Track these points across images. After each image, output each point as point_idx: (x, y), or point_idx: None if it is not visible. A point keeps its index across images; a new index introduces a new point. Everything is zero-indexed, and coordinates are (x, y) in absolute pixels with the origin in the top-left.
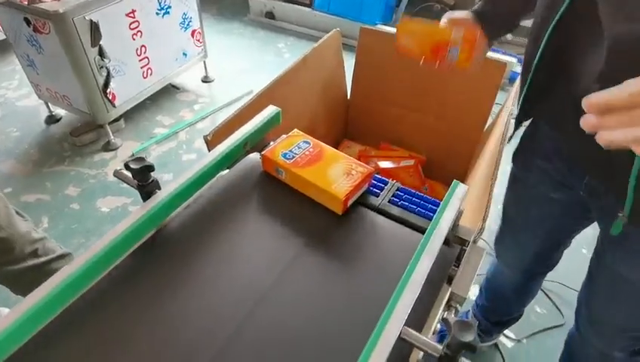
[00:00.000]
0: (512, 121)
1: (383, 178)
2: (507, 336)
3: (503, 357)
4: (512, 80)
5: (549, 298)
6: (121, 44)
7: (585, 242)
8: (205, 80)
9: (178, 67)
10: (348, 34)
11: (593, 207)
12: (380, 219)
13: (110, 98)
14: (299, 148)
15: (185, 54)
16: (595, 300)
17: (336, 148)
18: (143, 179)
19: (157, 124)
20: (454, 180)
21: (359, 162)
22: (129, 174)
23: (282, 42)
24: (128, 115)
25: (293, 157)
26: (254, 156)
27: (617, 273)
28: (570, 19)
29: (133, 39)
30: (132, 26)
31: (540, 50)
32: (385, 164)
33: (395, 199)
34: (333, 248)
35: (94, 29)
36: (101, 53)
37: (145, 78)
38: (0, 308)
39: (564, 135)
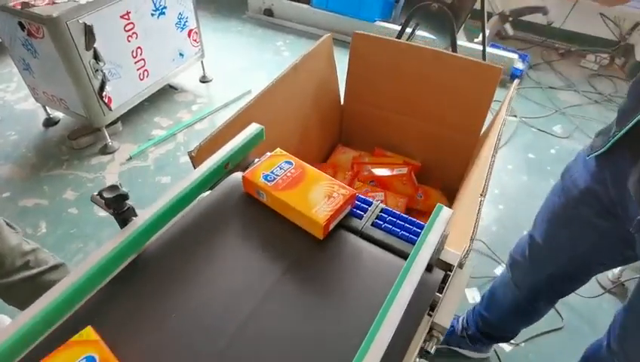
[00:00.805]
0: (513, 123)
1: (368, 198)
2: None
3: (500, 361)
4: (513, 76)
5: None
6: (116, 47)
7: None
8: (203, 80)
9: (175, 68)
10: (347, 31)
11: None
12: (363, 243)
13: (106, 101)
14: (280, 168)
15: (182, 55)
16: (630, 333)
17: (331, 154)
18: (118, 207)
19: (155, 126)
20: (438, 203)
21: (341, 184)
22: (102, 201)
23: (281, 40)
24: (125, 118)
25: (274, 178)
26: (236, 176)
27: None
28: None
29: (129, 41)
30: (127, 28)
31: None
32: (379, 172)
33: (379, 222)
34: (314, 275)
35: (88, 32)
36: (96, 57)
37: (141, 80)
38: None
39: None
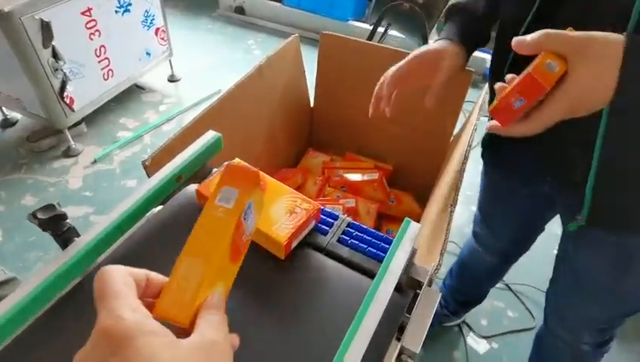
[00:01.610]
0: (476, 134)
1: (333, 212)
2: (478, 339)
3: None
4: (485, 76)
5: (521, 301)
6: (77, 45)
7: (556, 243)
8: (171, 79)
9: (142, 67)
10: (319, 30)
11: (557, 201)
12: (328, 261)
13: (68, 102)
14: None
15: (148, 54)
16: (561, 295)
17: (301, 159)
18: (55, 228)
19: (121, 127)
20: (405, 218)
21: (305, 197)
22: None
23: (252, 39)
24: (90, 119)
25: None
26: (191, 189)
27: (578, 268)
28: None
29: (91, 39)
30: (89, 26)
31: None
32: (350, 177)
33: (345, 237)
34: (276, 298)
35: (45, 28)
36: (55, 55)
37: (106, 79)
38: None
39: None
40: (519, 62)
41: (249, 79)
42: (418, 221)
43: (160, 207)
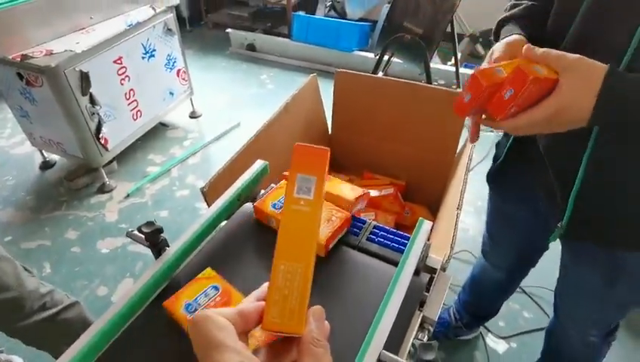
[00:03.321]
0: (474, 149)
1: (362, 218)
2: (496, 339)
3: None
4: None
5: (536, 302)
6: (110, 90)
7: None
8: (193, 116)
9: (166, 106)
10: (327, 61)
11: (550, 218)
12: (360, 256)
13: (103, 142)
14: None
15: (172, 93)
16: (566, 299)
17: None
18: (155, 239)
19: (149, 163)
20: (420, 218)
21: (339, 208)
22: (141, 236)
23: (265, 73)
24: (120, 157)
25: (281, 207)
26: (247, 206)
27: (577, 280)
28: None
29: (122, 84)
30: (120, 72)
31: None
32: (369, 193)
33: (372, 236)
34: (320, 285)
35: (84, 78)
36: (92, 101)
37: (135, 120)
38: (11, 356)
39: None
40: None
41: (278, 115)
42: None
43: (225, 222)
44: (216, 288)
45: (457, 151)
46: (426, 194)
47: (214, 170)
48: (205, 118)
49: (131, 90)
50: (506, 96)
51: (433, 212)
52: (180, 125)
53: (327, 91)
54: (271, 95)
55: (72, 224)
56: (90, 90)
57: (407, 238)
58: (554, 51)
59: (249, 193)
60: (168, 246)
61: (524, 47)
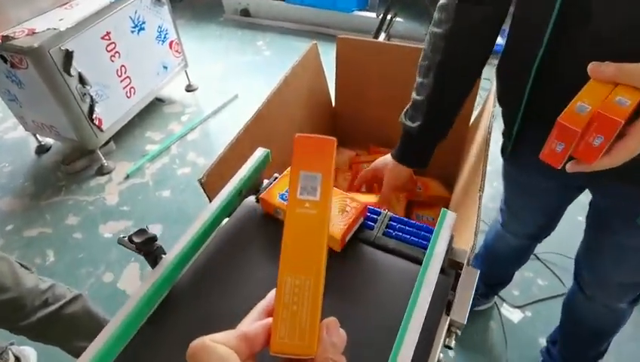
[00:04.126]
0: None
1: (376, 208)
2: (511, 309)
3: (504, 332)
4: (494, 53)
5: (550, 269)
6: (100, 69)
7: (579, 210)
8: (189, 89)
9: (160, 81)
10: (325, 23)
11: (594, 189)
12: (377, 252)
13: (97, 123)
14: None
15: (165, 67)
16: (601, 266)
17: None
18: (148, 249)
19: (147, 141)
20: (442, 208)
21: (353, 196)
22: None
23: (261, 40)
24: (117, 136)
25: None
26: (250, 200)
27: (624, 244)
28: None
29: (112, 61)
30: (109, 48)
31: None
32: None
33: (389, 231)
34: (336, 285)
35: (67, 57)
36: (82, 81)
37: (129, 97)
38: (23, 346)
39: None
40: (542, 86)
41: (278, 90)
42: (447, 204)
43: (226, 220)
44: None
45: (472, 118)
46: (438, 165)
47: (215, 146)
48: (202, 90)
49: (123, 66)
50: (595, 143)
51: (446, 185)
52: (176, 100)
53: (328, 56)
54: (268, 62)
55: (73, 209)
56: (79, 70)
57: (428, 230)
58: (627, 66)
59: (251, 185)
60: (164, 254)
61: (591, 67)
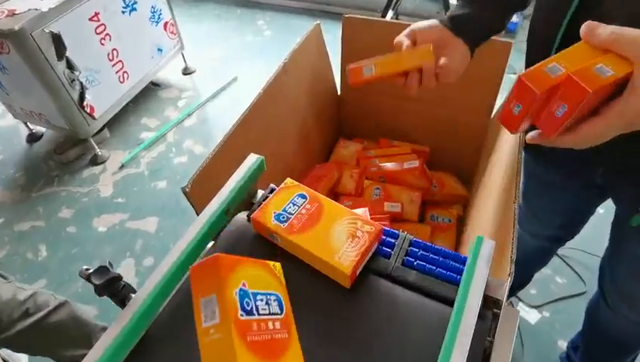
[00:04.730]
0: None
1: (393, 230)
2: (528, 309)
3: (520, 334)
4: (508, 31)
5: (569, 266)
6: (90, 53)
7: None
8: (186, 72)
9: (155, 64)
10: (327, 0)
11: (611, 192)
12: (396, 289)
13: (89, 111)
14: (294, 205)
15: (160, 50)
16: (622, 278)
17: (332, 149)
18: (112, 290)
19: (143, 128)
20: (477, 236)
21: (364, 218)
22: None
23: (261, 19)
24: (112, 124)
25: (288, 218)
26: (241, 217)
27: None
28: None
29: (102, 44)
30: (98, 31)
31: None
32: (388, 166)
33: (410, 259)
34: (342, 334)
35: (56, 41)
36: (70, 66)
37: (122, 82)
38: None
39: None
40: None
41: (275, 80)
42: (464, 201)
43: (211, 244)
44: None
45: (494, 111)
46: (453, 159)
47: (212, 132)
48: (199, 73)
49: (114, 49)
50: (557, 113)
51: (463, 181)
52: (172, 84)
53: (331, 36)
54: (269, 42)
55: (66, 201)
56: (67, 54)
57: (458, 259)
58: (628, 31)
59: (241, 200)
60: (135, 292)
61: (584, 28)
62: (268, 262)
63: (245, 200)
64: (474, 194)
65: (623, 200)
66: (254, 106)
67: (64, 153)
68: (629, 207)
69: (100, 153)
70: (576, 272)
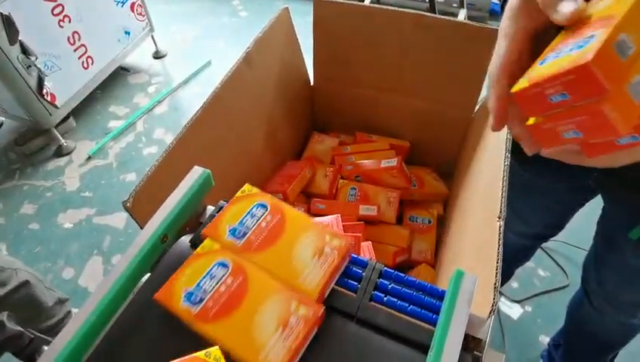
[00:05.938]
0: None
1: (361, 258)
2: (510, 304)
3: (502, 330)
4: (492, 13)
5: (552, 258)
6: (47, 36)
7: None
8: (157, 56)
9: (123, 48)
10: None
11: (607, 201)
12: (361, 332)
13: (49, 99)
14: (252, 216)
15: (127, 32)
16: (611, 284)
17: (306, 144)
18: (16, 346)
19: (111, 117)
20: (457, 268)
21: (333, 231)
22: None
23: None
24: (78, 112)
25: (245, 233)
26: (184, 243)
27: (632, 265)
28: None
29: (61, 26)
30: (55, 12)
31: None
32: (365, 165)
33: (379, 294)
34: None
35: (7, 23)
36: (24, 51)
37: (86, 68)
38: None
39: None
40: None
41: (237, 72)
42: (444, 199)
43: (147, 277)
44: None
45: (478, 104)
46: (434, 155)
47: (183, 121)
48: (171, 57)
49: (75, 32)
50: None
51: (443, 177)
52: (142, 68)
53: (304, 21)
54: (245, 24)
55: (28, 196)
56: (21, 38)
57: (434, 292)
58: None
59: (183, 223)
60: (48, 344)
61: None
62: None
63: (192, 219)
64: (455, 192)
65: (621, 211)
66: (211, 101)
67: (26, 144)
68: (628, 217)
69: (64, 144)
70: (558, 265)
